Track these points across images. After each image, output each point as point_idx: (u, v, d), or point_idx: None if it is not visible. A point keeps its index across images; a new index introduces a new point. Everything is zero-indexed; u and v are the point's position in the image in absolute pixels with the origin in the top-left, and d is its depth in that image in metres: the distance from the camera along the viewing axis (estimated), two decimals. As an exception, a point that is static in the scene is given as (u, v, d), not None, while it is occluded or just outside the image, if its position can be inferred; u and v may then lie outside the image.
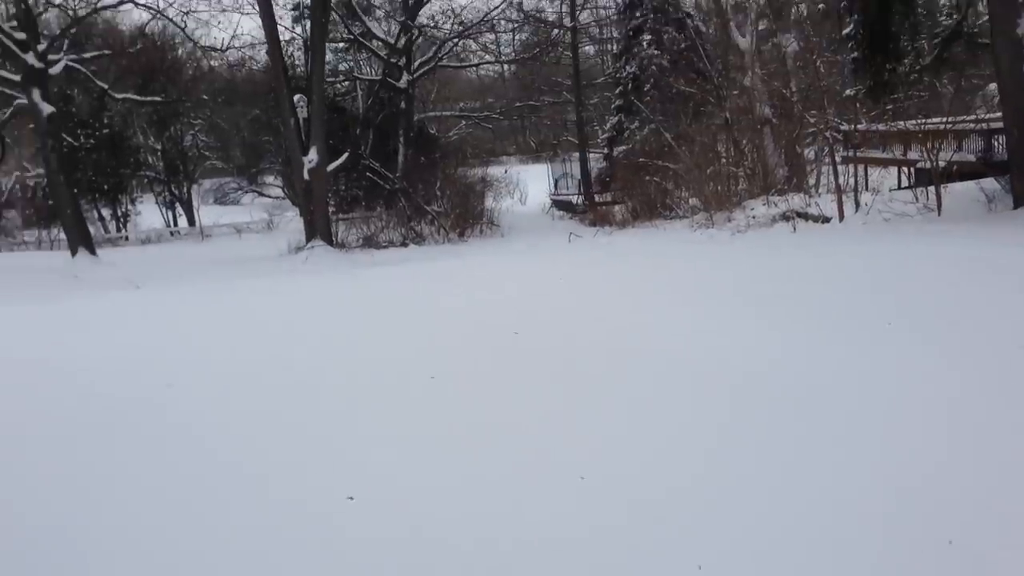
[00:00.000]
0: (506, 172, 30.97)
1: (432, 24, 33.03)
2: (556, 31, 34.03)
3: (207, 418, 5.43)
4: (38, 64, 20.68)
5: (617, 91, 28.81)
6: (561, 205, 30.82)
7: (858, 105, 16.10)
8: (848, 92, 16.58)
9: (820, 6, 19.15)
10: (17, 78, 21.50)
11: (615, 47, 32.46)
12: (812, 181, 17.76)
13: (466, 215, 23.93)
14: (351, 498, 3.90)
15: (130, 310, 10.27)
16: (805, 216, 14.85)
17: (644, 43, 27.01)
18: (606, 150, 29.19)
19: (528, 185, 32.79)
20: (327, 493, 3.98)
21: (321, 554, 3.41)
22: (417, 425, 4.96)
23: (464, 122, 39.92)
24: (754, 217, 15.73)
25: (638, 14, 27.64)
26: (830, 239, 12.50)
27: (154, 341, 7.95)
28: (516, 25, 34.92)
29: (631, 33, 27.94)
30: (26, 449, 5.02)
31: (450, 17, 32.69)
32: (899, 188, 17.19)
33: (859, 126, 15.74)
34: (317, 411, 5.43)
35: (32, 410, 5.86)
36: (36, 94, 20.77)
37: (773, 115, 19.07)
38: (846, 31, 18.51)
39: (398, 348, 7.03)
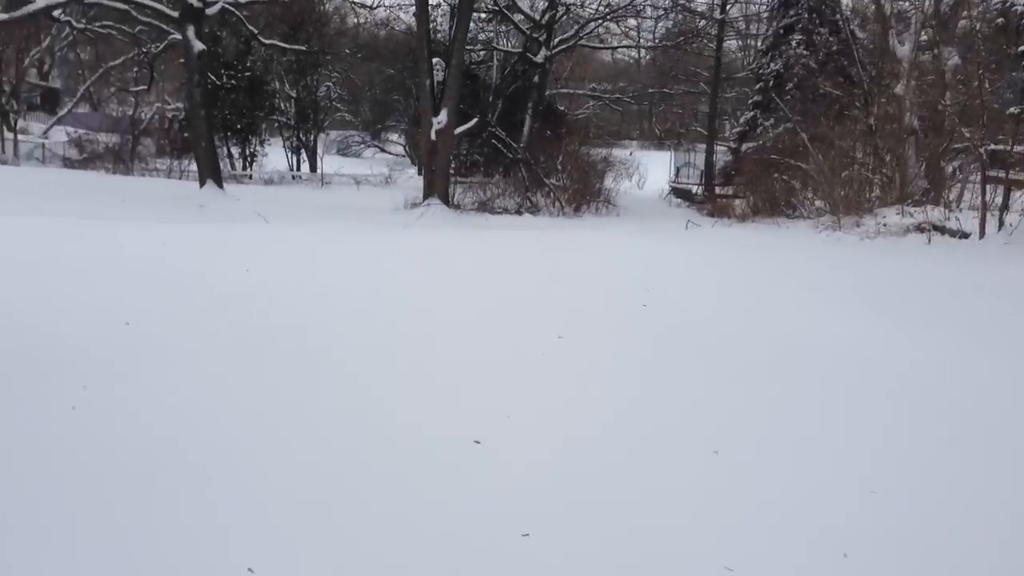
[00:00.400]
0: (631, 154, 30.60)
1: (579, 3, 32.88)
2: (702, 22, 33.39)
3: (348, 341, 5.46)
4: (196, 3, 21.38)
5: (757, 87, 28.10)
6: (680, 193, 30.34)
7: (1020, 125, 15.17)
8: (1012, 110, 15.62)
9: (999, 20, 18.10)
10: (175, 14, 22.27)
11: (760, 43, 31.62)
12: (952, 196, 16.89)
13: (584, 191, 23.75)
14: (477, 442, 3.83)
15: (263, 241, 10.45)
16: (942, 229, 14.12)
17: (793, 42, 26.24)
18: (734, 144, 28.51)
19: (648, 170, 32.34)
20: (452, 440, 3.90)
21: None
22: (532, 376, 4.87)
23: (593, 101, 39.60)
24: (885, 225, 15.06)
25: (792, 12, 26.86)
26: (969, 254, 11.87)
27: (288, 271, 8.05)
28: (663, 12, 34.41)
29: (781, 31, 27.17)
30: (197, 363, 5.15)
31: (597, -1, 32.50)
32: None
33: (1018, 147, 14.85)
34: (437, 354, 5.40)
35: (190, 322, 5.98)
36: (190, 31, 21.47)
37: (921, 127, 18.22)
38: (1022, 48, 17.46)
39: (524, 306, 6.89)
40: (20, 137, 35.20)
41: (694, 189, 29.66)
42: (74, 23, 30.66)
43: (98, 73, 39.49)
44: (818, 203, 19.27)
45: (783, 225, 18.31)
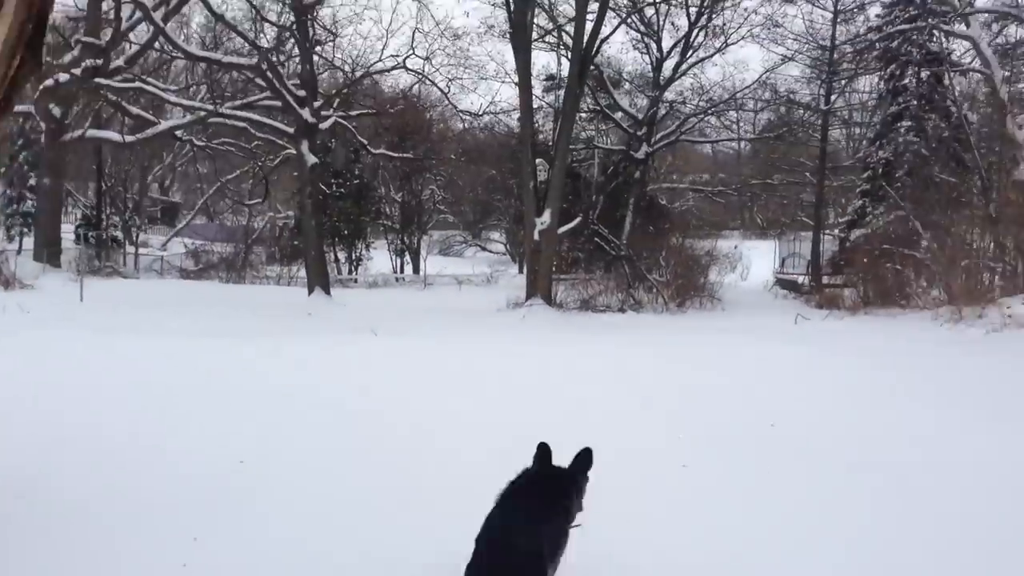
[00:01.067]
0: (736, 248, 30.21)
1: (679, 99, 33.20)
2: (805, 113, 33.20)
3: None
4: (311, 119, 22.39)
5: (865, 175, 27.54)
6: (786, 284, 29.67)
7: None
8: None
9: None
10: (290, 130, 23.36)
11: (867, 131, 31.16)
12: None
13: (687, 286, 23.42)
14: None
15: (372, 354, 10.54)
16: (1073, 320, 13.34)
17: (903, 128, 25.74)
18: (843, 233, 27.85)
19: (752, 261, 31.82)
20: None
21: None
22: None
23: (693, 194, 39.54)
24: (1011, 316, 14.30)
25: (900, 100, 26.44)
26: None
27: (403, 389, 8.08)
28: (765, 105, 34.36)
29: (890, 118, 26.74)
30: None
31: (698, 93, 32.76)
32: None
33: None
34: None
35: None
36: (304, 146, 22.45)
37: (1044, 212, 17.45)
38: None
39: (642, 428, 6.73)
40: (141, 250, 37.13)
41: (800, 279, 28.98)
42: (195, 141, 32.53)
43: (215, 187, 41.68)
44: (934, 292, 18.48)
45: (897, 316, 17.59)
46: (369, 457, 5.58)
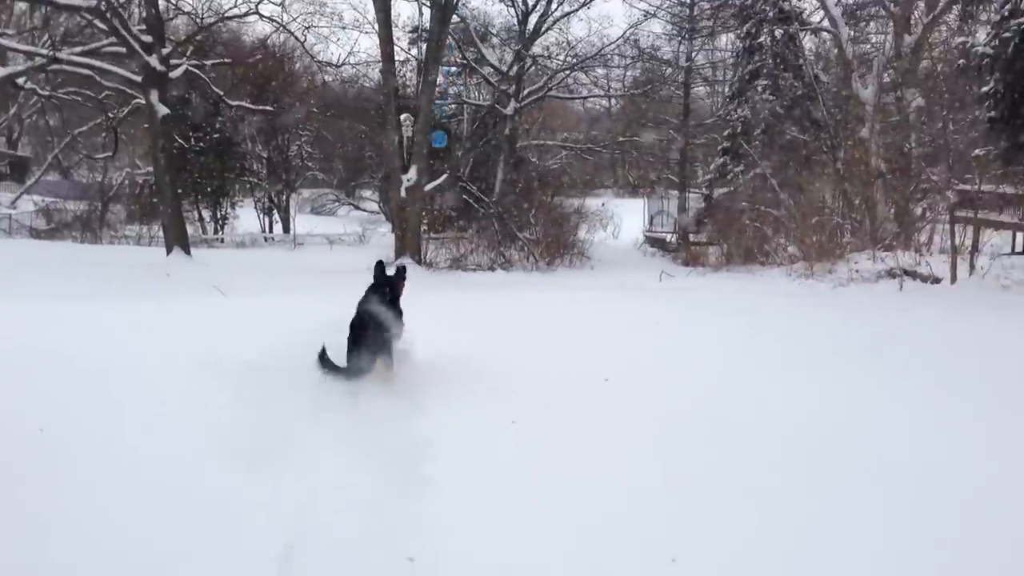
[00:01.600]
0: (603, 205, 30.52)
1: (546, 55, 33.11)
2: (669, 70, 33.67)
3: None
4: (160, 67, 21.23)
5: (725, 133, 28.22)
6: (655, 242, 30.25)
7: (986, 165, 15.15)
8: (977, 152, 15.62)
9: (960, 62, 18.19)
10: (138, 79, 22.08)
11: (728, 89, 31.90)
12: (923, 239, 16.82)
13: (558, 244, 23.57)
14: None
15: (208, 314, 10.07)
16: (914, 275, 14.01)
17: (759, 87, 26.39)
18: (706, 191, 28.53)
19: (623, 219, 32.29)
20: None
21: None
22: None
23: (564, 152, 39.76)
24: (858, 271, 14.95)
25: (756, 58, 27.06)
26: (941, 301, 11.68)
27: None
28: (630, 61, 34.69)
29: (747, 77, 27.36)
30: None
31: (564, 49, 32.79)
32: (1013, 253, 16.09)
33: (984, 187, 14.79)
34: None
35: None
36: (154, 95, 21.29)
37: (888, 169, 18.23)
38: (985, 88, 17.52)
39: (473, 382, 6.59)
40: (-13, 207, 34.80)
41: (668, 237, 29.59)
42: (39, 91, 30.50)
43: (65, 140, 39.30)
44: (791, 249, 19.18)
45: (757, 273, 18.17)
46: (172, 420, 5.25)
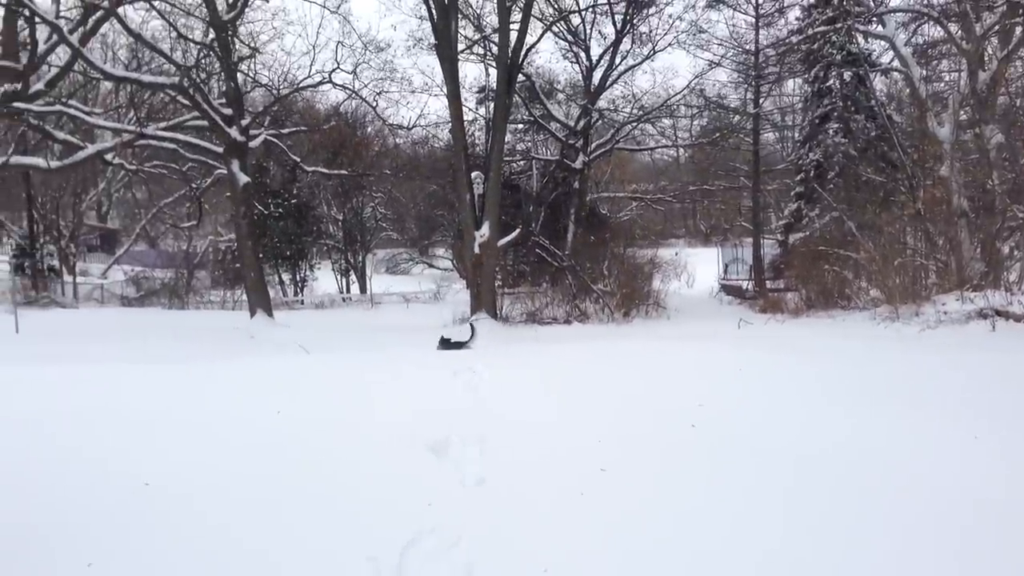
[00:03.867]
0: (676, 254, 30.40)
1: (612, 108, 33.40)
2: (737, 117, 33.60)
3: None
4: (240, 138, 22.08)
5: (798, 178, 27.94)
6: (730, 290, 29.91)
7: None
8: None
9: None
10: (220, 149, 22.98)
11: (798, 134, 31.65)
12: (1013, 278, 16.28)
13: (632, 295, 23.42)
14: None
15: (301, 374, 10.34)
16: (1006, 315, 13.54)
17: (831, 131, 26.14)
18: (781, 237, 28.17)
19: (696, 268, 32.06)
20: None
21: None
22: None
23: (635, 203, 39.76)
24: (946, 313, 14.51)
25: (826, 102, 26.85)
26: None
27: (324, 407, 7.88)
28: (697, 111, 34.74)
29: (817, 120, 27.14)
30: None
31: (630, 101, 33.02)
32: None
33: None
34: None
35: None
36: (235, 165, 22.13)
37: (970, 208, 17.78)
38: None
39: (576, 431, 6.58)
40: (80, 279, 36.27)
41: (744, 285, 29.23)
42: (127, 165, 31.86)
43: (152, 212, 40.91)
44: (873, 293, 18.76)
45: (838, 318, 17.78)
46: (280, 480, 5.36)
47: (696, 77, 32.48)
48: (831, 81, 26.70)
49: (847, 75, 26.17)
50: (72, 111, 24.29)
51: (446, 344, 16.20)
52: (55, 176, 31.77)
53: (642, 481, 5.24)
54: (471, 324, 16.48)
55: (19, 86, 21.87)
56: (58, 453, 5.98)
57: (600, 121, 33.32)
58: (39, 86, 23.35)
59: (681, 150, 42.45)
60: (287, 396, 8.10)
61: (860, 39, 25.80)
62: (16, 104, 21.92)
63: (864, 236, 19.60)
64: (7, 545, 4.14)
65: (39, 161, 26.84)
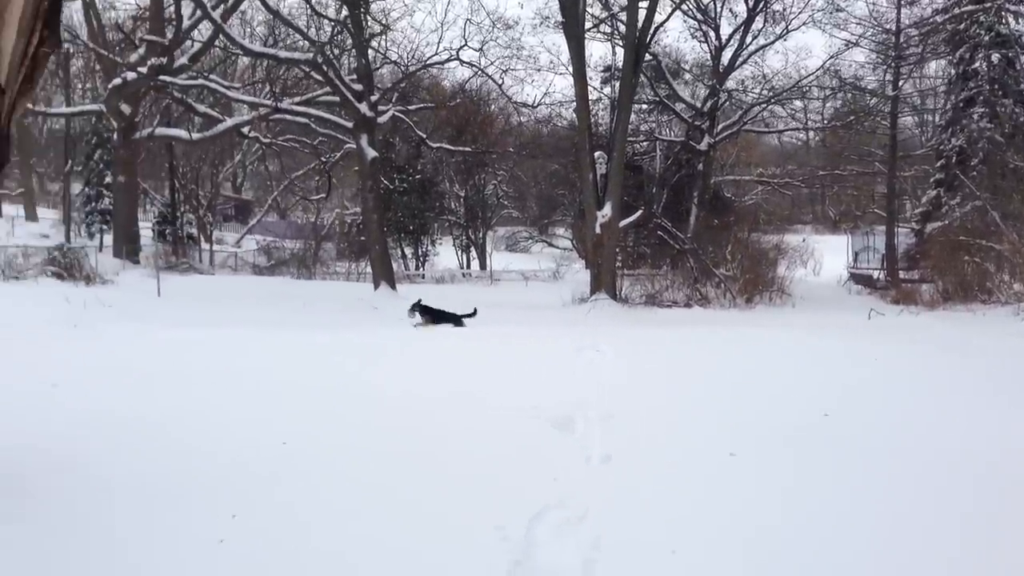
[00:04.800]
0: (803, 241, 29.50)
1: (741, 89, 32.61)
2: (874, 100, 32.24)
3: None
4: (369, 113, 22.60)
5: (939, 164, 26.64)
6: (859, 279, 28.84)
7: None
8: None
9: None
10: (349, 125, 23.57)
11: (939, 118, 30.15)
12: None
13: (756, 281, 22.87)
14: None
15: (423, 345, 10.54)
16: None
17: (975, 115, 24.78)
18: (918, 225, 26.95)
19: (824, 256, 31.04)
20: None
21: None
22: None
23: (761, 187, 38.77)
24: (1098, 310, 13.62)
25: (971, 85, 25.46)
26: None
27: (445, 376, 8.02)
28: (831, 93, 33.49)
29: (961, 104, 25.78)
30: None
31: (760, 82, 32.17)
32: None
33: None
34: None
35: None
36: (364, 140, 22.67)
37: None
38: None
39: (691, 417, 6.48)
40: (216, 247, 37.88)
41: (875, 274, 28.14)
42: (261, 138, 33.05)
43: (284, 184, 42.33)
44: (1016, 286, 17.76)
45: (978, 312, 16.90)
46: (402, 442, 5.50)
47: (831, 57, 31.38)
48: (977, 63, 25.27)
49: (995, 57, 24.72)
50: (213, 85, 25.33)
51: (422, 311, 13.90)
52: (195, 147, 33.22)
53: (772, 469, 5.11)
54: (416, 309, 13.81)
55: (165, 60, 22.96)
56: (200, 408, 6.29)
57: (728, 102, 32.59)
58: (183, 60, 24.48)
59: (812, 133, 41.14)
60: (413, 366, 8.26)
61: (1011, 20, 24.37)
62: (162, 77, 23.03)
63: (1009, 227, 18.58)
64: (167, 491, 4.37)
65: (182, 133, 28.17)
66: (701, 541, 4.00)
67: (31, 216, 44.33)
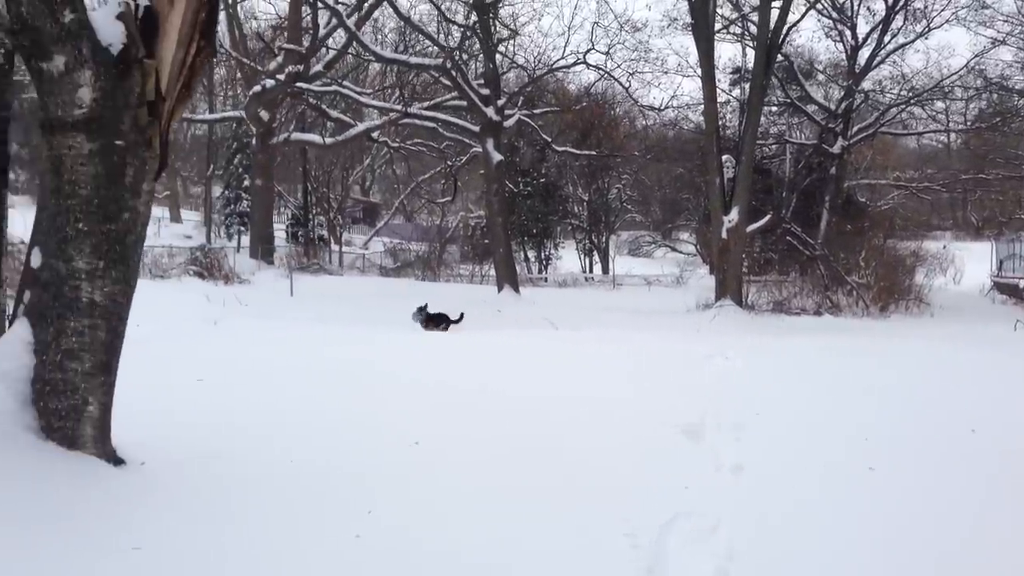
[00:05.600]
0: (944, 247, 28.15)
1: (877, 89, 31.43)
2: (1022, 101, 30.46)
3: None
4: (495, 117, 22.89)
5: (1096, 167, 24.96)
6: (1004, 289, 27.29)
7: None
8: None
9: None
10: (476, 128, 23.94)
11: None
12: None
13: (891, 289, 21.96)
14: None
15: (553, 348, 10.57)
16: None
17: None
18: (1072, 233, 25.34)
19: (965, 263, 29.55)
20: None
21: None
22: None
23: (897, 191, 37.22)
24: None
25: None
26: None
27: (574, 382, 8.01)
28: (975, 93, 31.83)
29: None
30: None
31: (899, 82, 30.90)
32: None
33: None
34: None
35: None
36: (490, 144, 22.96)
37: None
38: None
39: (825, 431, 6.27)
40: (344, 249, 39.08)
41: (1021, 284, 26.58)
42: (389, 143, 33.88)
43: (410, 187, 43.27)
44: None
45: None
46: (530, 446, 5.51)
47: (976, 56, 29.75)
48: None
49: None
50: (345, 90, 26.15)
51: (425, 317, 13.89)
52: (327, 152, 34.36)
53: (914, 485, 4.90)
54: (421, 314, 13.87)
55: (301, 68, 23.83)
56: (335, 405, 6.48)
57: (864, 103, 31.43)
58: (318, 68, 25.36)
59: (954, 135, 39.21)
60: (539, 369, 8.29)
61: None
62: (299, 84, 23.91)
63: None
64: (306, 486, 4.51)
65: (316, 137, 29.18)
66: (841, 557, 3.86)
67: (175, 218, 46.81)
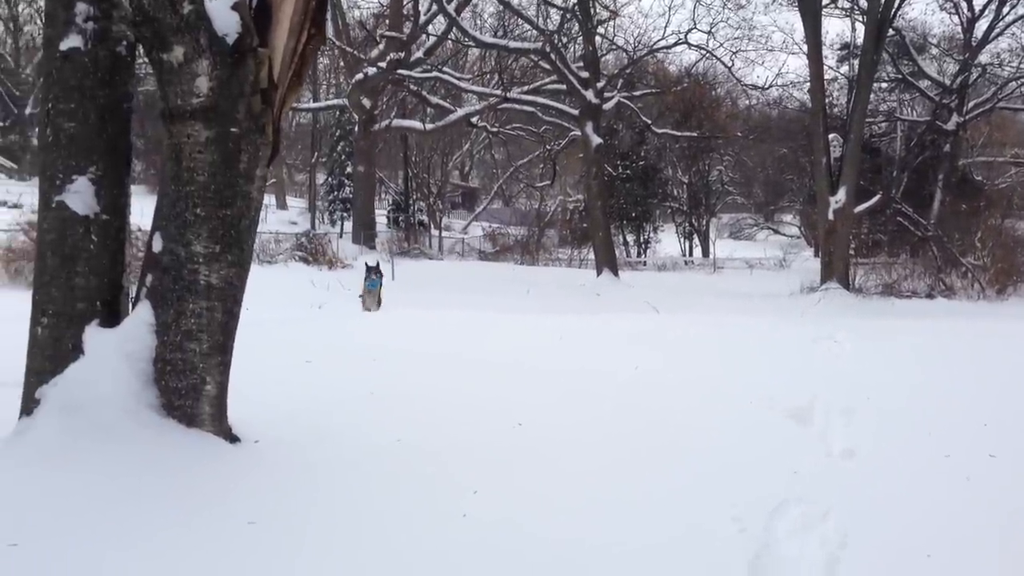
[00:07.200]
0: (1066, 227, 26.72)
1: (996, 63, 29.99)
2: None
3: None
4: (594, 100, 22.74)
5: None
6: None
7: None
8: None
9: None
10: (575, 112, 23.83)
11: None
12: None
13: (1010, 271, 21.00)
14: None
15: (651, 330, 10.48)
16: None
17: None
18: None
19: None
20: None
21: None
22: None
23: (1016, 169, 35.49)
24: None
25: None
26: None
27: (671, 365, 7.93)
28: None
29: None
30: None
31: (1019, 55, 29.42)
32: None
33: None
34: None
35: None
36: (589, 127, 22.84)
37: None
38: None
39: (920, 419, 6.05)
40: (444, 233, 39.56)
41: None
42: (488, 128, 34.07)
43: (509, 171, 43.46)
44: None
45: None
46: (634, 429, 5.48)
47: (1102, 25, 28.13)
48: None
49: None
50: (446, 77, 26.38)
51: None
52: (428, 138, 34.78)
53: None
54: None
55: (402, 55, 24.15)
56: (439, 386, 6.57)
57: (980, 77, 30.04)
58: (418, 55, 25.65)
59: (1078, 109, 37.12)
60: (644, 352, 8.22)
61: None
62: (400, 71, 24.25)
63: None
64: (410, 464, 4.60)
65: (416, 124, 29.59)
66: (959, 547, 3.73)
67: (281, 204, 48.13)
